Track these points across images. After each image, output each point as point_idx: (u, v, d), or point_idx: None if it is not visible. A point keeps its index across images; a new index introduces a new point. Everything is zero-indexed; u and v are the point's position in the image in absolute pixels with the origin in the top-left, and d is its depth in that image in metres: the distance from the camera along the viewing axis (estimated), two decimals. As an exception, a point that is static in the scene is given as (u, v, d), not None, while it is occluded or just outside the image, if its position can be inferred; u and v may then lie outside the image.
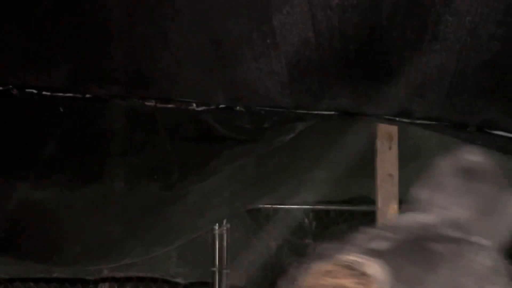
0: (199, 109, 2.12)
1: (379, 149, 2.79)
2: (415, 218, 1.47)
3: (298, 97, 1.87)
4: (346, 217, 4.59)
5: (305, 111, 1.98)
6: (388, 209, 2.83)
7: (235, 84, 1.97)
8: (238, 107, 2.07)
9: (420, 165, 3.66)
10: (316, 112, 1.98)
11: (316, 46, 1.75)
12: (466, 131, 1.90)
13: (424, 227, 1.45)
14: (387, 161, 2.82)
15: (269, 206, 4.44)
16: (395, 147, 2.79)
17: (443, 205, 1.44)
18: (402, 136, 2.82)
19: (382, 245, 1.47)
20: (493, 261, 1.33)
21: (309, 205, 4.51)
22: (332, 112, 1.97)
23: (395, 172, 2.84)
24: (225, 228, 4.54)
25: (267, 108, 2.00)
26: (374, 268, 1.62)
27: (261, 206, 4.40)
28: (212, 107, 2.07)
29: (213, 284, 4.67)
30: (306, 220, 4.77)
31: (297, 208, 4.58)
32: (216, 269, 4.64)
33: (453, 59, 1.72)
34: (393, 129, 2.74)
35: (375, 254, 1.48)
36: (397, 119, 2.00)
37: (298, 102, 1.92)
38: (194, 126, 2.55)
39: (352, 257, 1.62)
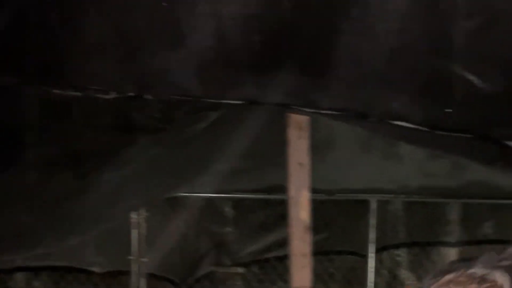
0: (109, 97, 2.11)
1: (291, 139, 2.85)
2: None
3: (207, 86, 1.90)
4: (263, 206, 4.66)
5: (214, 100, 2.01)
6: (300, 197, 2.90)
7: (144, 73, 1.98)
8: (148, 96, 2.07)
9: (333, 154, 3.79)
10: (224, 101, 2.01)
11: (223, 38, 1.78)
12: (368, 121, 1.97)
13: None
14: (298, 150, 2.88)
15: (187, 194, 4.45)
16: (306, 136, 2.85)
17: None
18: (315, 126, 2.90)
19: (507, 262, 1.74)
20: None
21: (227, 194, 4.56)
22: (240, 101, 2.00)
23: (306, 161, 2.90)
24: (142, 216, 4.53)
25: (177, 97, 2.02)
26: (502, 278, 1.81)
27: (178, 194, 4.41)
28: (122, 95, 2.07)
29: (130, 272, 4.66)
30: (224, 209, 4.82)
31: (214, 197, 4.62)
32: (133, 257, 4.63)
33: (356, 52, 1.78)
34: (304, 119, 2.80)
35: (503, 269, 1.74)
36: (303, 108, 2.05)
37: (207, 91, 1.94)
38: (106, 115, 2.54)
39: (481, 270, 1.84)
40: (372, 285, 5.21)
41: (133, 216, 4.52)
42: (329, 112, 2.01)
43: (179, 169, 3.62)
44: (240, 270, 5.10)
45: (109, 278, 6.36)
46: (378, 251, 5.23)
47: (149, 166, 3.18)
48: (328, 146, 3.56)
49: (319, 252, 5.14)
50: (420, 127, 1.85)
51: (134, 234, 4.54)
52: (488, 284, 1.79)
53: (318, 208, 4.67)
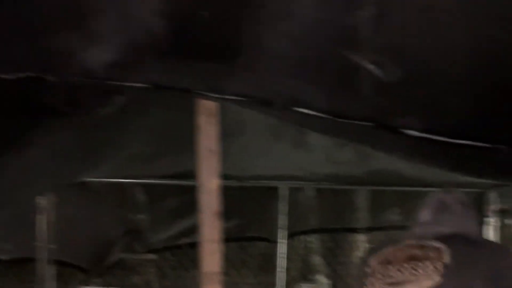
0: (10, 77, 2.05)
1: (200, 125, 2.85)
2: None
3: (110, 69, 1.87)
4: (175, 192, 4.65)
5: (117, 83, 1.98)
6: (210, 183, 2.91)
7: (47, 54, 1.92)
8: (51, 78, 2.02)
9: (243, 141, 3.82)
10: (128, 84, 1.99)
11: (127, 21, 1.76)
12: (273, 108, 2.00)
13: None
14: (208, 137, 2.88)
15: (96, 179, 4.38)
16: (215, 122, 2.85)
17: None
18: (225, 112, 2.91)
19: (429, 235, 2.27)
20: None
21: (139, 179, 4.51)
22: (144, 85, 1.98)
23: (216, 147, 2.90)
24: (50, 202, 4.42)
25: (81, 79, 1.98)
26: (434, 242, 2.24)
27: (87, 179, 4.33)
28: (24, 76, 2.01)
29: (37, 260, 4.54)
30: (136, 195, 4.77)
31: (126, 182, 4.56)
32: (40, 244, 4.51)
33: (260, 40, 1.80)
34: (213, 105, 2.80)
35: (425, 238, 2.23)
36: (209, 94, 2.05)
37: (110, 74, 1.91)
38: (9, 97, 2.46)
39: (412, 241, 2.26)
40: (284, 270, 5.30)
41: (41, 201, 4.42)
42: (234, 98, 2.02)
43: (86, 154, 3.55)
44: (152, 256, 5.06)
45: (16, 266, 6.20)
46: (289, 237, 5.33)
47: (55, 150, 3.11)
48: (238, 133, 3.59)
49: (231, 239, 5.18)
50: (323, 115, 1.89)
51: (41, 219, 4.44)
52: (428, 248, 2.23)
53: (229, 194, 4.70)
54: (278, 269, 5.21)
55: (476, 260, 2.23)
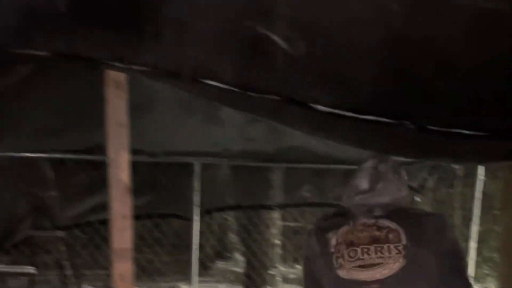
0: None
1: (109, 98, 2.76)
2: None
3: (10, 36, 1.77)
4: (85, 167, 4.53)
5: (19, 51, 1.88)
6: (119, 158, 2.83)
7: None
8: None
9: (155, 115, 3.75)
10: (29, 52, 1.89)
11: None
12: (180, 80, 1.95)
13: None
14: (117, 110, 2.80)
15: (1, 154, 4.20)
16: (124, 95, 2.78)
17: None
18: (135, 85, 2.84)
19: (379, 211, 2.41)
20: None
21: (45, 154, 4.36)
22: (47, 54, 1.89)
23: (125, 121, 2.83)
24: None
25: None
26: (389, 222, 2.37)
27: (-8, 154, 4.16)
28: None
29: None
30: (44, 170, 4.61)
31: (32, 157, 4.40)
32: None
33: (166, 9, 1.75)
34: (122, 77, 2.72)
35: (379, 217, 2.37)
36: (115, 63, 1.98)
37: (11, 41, 1.82)
38: None
39: (368, 220, 2.38)
40: (197, 248, 5.26)
41: None
42: (142, 68, 1.95)
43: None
44: (61, 234, 4.92)
45: None
46: (204, 214, 5.30)
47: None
48: (150, 107, 3.52)
49: (144, 216, 5.11)
50: (231, 88, 1.86)
51: None
52: (386, 229, 2.38)
53: (142, 170, 4.62)
54: (193, 247, 5.18)
55: (424, 237, 2.39)
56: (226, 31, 1.75)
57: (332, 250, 2.43)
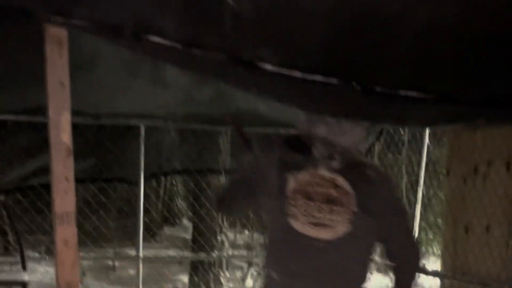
0: None
1: (49, 55, 2.66)
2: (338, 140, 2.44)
3: None
4: (26, 129, 4.40)
5: None
6: (60, 119, 2.75)
7: None
8: None
9: (98, 76, 3.64)
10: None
11: None
12: (122, 36, 1.87)
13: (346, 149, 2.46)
14: (57, 69, 2.70)
15: None
16: (65, 53, 2.68)
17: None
18: (78, 44, 2.74)
19: (337, 164, 2.45)
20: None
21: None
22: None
23: (66, 80, 2.74)
24: None
25: None
26: (344, 182, 2.43)
27: None
28: None
29: None
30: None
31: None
32: None
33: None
34: (63, 34, 2.63)
35: (337, 171, 2.43)
36: (55, 17, 1.89)
37: None
38: None
39: (326, 173, 2.43)
40: (142, 213, 5.19)
41: None
42: (82, 23, 1.87)
43: None
44: (1, 198, 4.77)
45: None
46: (151, 179, 5.23)
47: None
48: (92, 67, 3.41)
49: (89, 180, 5.03)
50: (174, 44, 1.79)
51: None
52: (341, 190, 2.44)
53: (86, 133, 4.52)
54: (139, 212, 5.11)
55: (373, 205, 2.47)
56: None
57: (288, 194, 2.47)
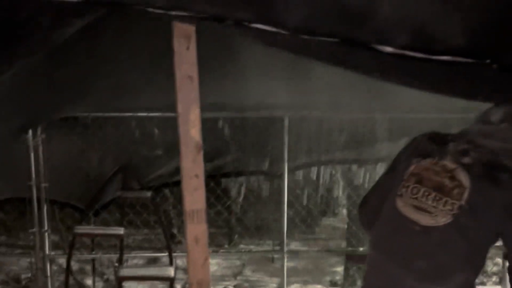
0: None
1: (177, 50, 2.61)
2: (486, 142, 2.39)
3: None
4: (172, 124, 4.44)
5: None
6: (189, 114, 2.71)
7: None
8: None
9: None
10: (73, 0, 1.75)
11: None
12: (226, 25, 1.78)
13: (492, 151, 2.36)
14: (185, 63, 2.65)
15: (86, 114, 4.19)
16: (193, 47, 2.62)
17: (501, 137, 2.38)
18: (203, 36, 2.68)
19: (468, 160, 2.38)
20: None
21: (132, 112, 4.30)
22: (104, 3, 1.76)
23: (194, 74, 2.68)
24: (39, 138, 4.26)
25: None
26: (464, 177, 2.38)
27: (77, 114, 4.14)
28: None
29: (30, 199, 4.39)
30: (134, 128, 4.57)
31: (121, 116, 4.36)
32: (33, 183, 4.37)
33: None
34: (190, 27, 2.57)
35: (464, 166, 2.38)
36: (168, 12, 1.82)
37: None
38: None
39: (450, 164, 2.41)
40: (285, 205, 5.07)
41: (30, 138, 4.26)
42: (191, 14, 1.79)
43: (69, 85, 3.30)
44: (148, 194, 4.87)
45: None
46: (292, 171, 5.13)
47: (26, 81, 2.87)
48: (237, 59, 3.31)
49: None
50: (281, 31, 1.66)
51: (33, 157, 4.29)
52: (456, 183, 2.39)
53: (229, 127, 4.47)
54: (285, 202, 4.98)
55: (484, 212, 2.37)
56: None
57: (405, 176, 2.51)
